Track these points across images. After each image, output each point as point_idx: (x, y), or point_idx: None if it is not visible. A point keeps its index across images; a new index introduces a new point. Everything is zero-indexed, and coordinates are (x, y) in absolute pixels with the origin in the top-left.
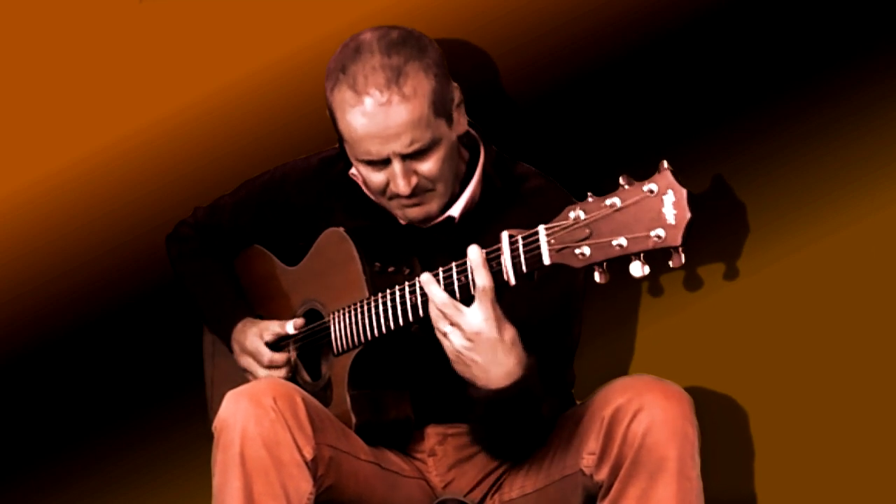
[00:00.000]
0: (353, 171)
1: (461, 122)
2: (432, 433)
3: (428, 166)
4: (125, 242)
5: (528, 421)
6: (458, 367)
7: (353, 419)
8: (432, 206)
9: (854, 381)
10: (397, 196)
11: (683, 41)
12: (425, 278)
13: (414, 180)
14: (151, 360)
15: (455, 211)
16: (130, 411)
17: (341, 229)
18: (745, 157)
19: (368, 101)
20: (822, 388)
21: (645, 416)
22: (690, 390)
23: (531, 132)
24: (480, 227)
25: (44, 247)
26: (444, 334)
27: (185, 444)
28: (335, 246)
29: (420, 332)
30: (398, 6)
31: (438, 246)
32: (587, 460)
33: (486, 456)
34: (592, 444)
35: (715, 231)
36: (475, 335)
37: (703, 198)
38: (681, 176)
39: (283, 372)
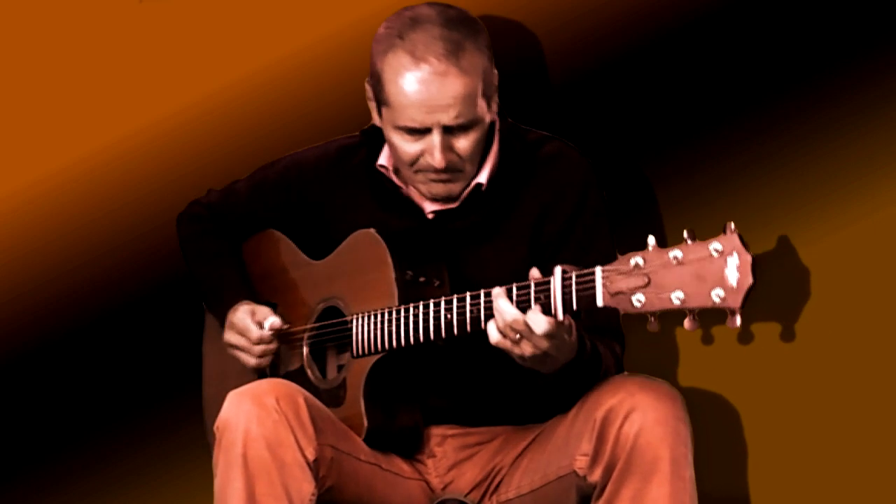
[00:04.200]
0: (381, 161)
1: (494, 109)
2: (432, 434)
3: (464, 143)
4: (125, 242)
5: (591, 372)
6: (527, 365)
7: (366, 423)
8: (456, 185)
9: (849, 381)
10: (426, 170)
11: (684, 40)
12: (496, 292)
13: (449, 156)
14: (151, 360)
15: (482, 178)
16: (130, 411)
17: (373, 231)
18: (744, 156)
19: (426, 68)
20: (816, 386)
21: (637, 417)
22: (685, 390)
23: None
24: (505, 193)
25: (44, 247)
26: (516, 342)
27: (185, 445)
28: (367, 248)
29: (444, 344)
30: (399, 5)
31: (465, 237)
32: (580, 462)
33: (488, 453)
34: (585, 445)
35: (710, 230)
36: (544, 344)
37: (700, 194)
38: (748, 243)
39: (271, 347)
